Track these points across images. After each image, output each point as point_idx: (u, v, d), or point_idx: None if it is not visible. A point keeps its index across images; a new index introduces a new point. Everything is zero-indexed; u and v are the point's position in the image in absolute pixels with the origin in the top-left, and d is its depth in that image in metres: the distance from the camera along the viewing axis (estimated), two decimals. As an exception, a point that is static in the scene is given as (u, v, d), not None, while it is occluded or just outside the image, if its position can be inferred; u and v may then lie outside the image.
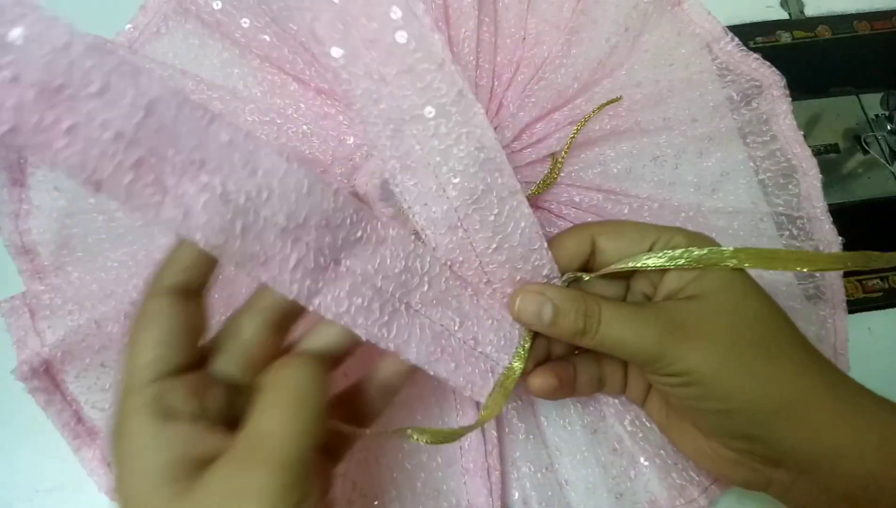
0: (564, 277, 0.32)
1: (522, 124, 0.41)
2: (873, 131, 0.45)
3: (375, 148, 0.28)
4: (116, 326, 0.34)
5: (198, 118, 0.24)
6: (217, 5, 0.40)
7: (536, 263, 0.31)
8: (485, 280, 0.30)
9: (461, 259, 0.30)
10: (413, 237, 0.29)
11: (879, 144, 0.44)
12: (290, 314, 0.26)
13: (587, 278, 0.31)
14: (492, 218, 0.29)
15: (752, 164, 0.42)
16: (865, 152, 0.44)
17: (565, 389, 0.33)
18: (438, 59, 0.27)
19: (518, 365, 0.31)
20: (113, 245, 0.36)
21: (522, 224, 0.30)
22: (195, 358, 0.25)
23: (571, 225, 0.40)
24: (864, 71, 0.47)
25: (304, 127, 0.39)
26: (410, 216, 0.29)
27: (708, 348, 0.28)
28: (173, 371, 0.23)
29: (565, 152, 0.40)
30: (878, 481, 0.26)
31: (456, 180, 0.28)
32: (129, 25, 0.43)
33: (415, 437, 0.29)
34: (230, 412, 0.25)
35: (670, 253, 0.29)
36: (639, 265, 0.30)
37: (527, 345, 0.31)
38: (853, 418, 0.27)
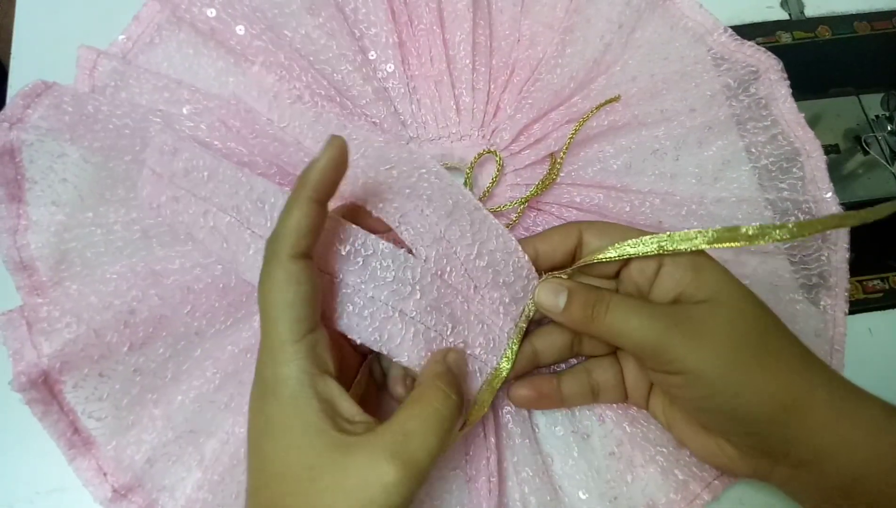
0: (543, 277, 0.33)
1: (520, 126, 0.41)
2: (874, 132, 0.45)
3: (357, 184, 0.30)
4: (116, 336, 0.34)
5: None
6: (211, 13, 0.40)
7: (516, 264, 0.33)
8: (472, 286, 0.32)
9: (448, 268, 0.32)
10: (404, 250, 0.31)
11: (880, 145, 0.44)
12: (329, 185, 0.28)
13: (565, 275, 0.33)
14: (468, 226, 0.32)
15: (753, 151, 0.42)
16: (866, 153, 0.44)
17: (546, 401, 0.34)
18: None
19: (505, 365, 0.33)
20: (112, 258, 0.37)
21: (497, 231, 0.33)
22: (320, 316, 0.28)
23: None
24: (865, 71, 0.46)
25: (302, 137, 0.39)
26: (399, 234, 0.31)
27: (712, 349, 0.28)
28: (316, 326, 0.27)
29: (564, 152, 0.40)
30: (868, 475, 0.28)
31: (429, 201, 0.31)
32: (122, 36, 0.42)
33: None
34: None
35: (635, 242, 0.30)
36: (612, 256, 0.31)
37: (514, 347, 0.33)
38: (845, 417, 0.28)
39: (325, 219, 0.28)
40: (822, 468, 0.28)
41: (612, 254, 0.31)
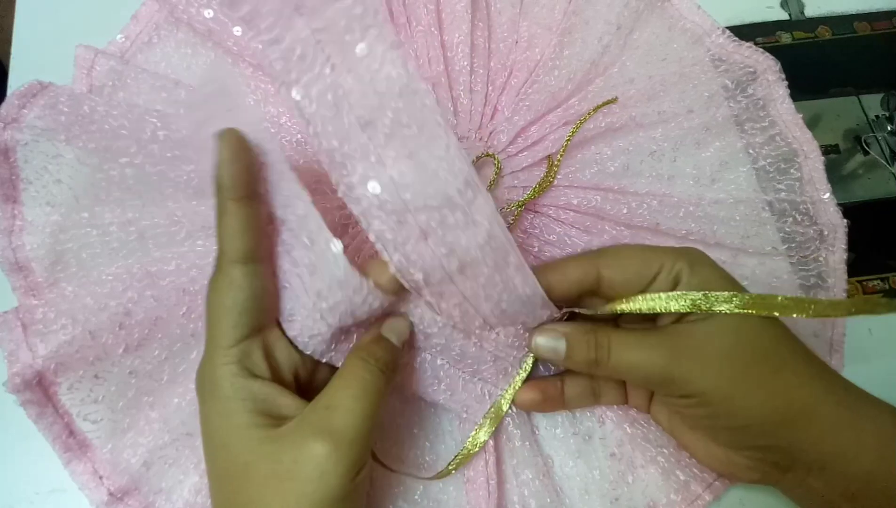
0: (562, 313, 0.32)
1: (517, 128, 0.41)
2: (874, 132, 0.44)
3: (378, 240, 0.27)
4: (111, 337, 0.34)
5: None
6: (209, 14, 0.40)
7: (537, 312, 0.31)
8: (487, 328, 0.32)
9: (464, 319, 0.31)
10: (413, 304, 0.31)
11: (880, 145, 0.44)
12: (240, 180, 0.28)
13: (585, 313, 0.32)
14: (495, 294, 0.29)
15: (751, 151, 0.42)
16: (866, 153, 0.44)
17: (550, 403, 0.34)
18: (443, 147, 0.25)
19: (510, 394, 0.34)
20: (107, 259, 0.36)
21: (527, 290, 0.29)
22: (271, 317, 0.29)
23: (571, 228, 0.40)
24: (865, 71, 0.46)
25: (298, 136, 0.39)
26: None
27: (716, 370, 0.28)
28: (253, 332, 0.27)
29: (561, 154, 0.40)
30: (875, 479, 0.28)
31: (463, 268, 0.28)
32: (120, 35, 0.42)
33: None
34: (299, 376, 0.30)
35: (667, 296, 0.29)
36: (635, 308, 0.30)
37: (522, 376, 0.34)
38: (852, 422, 0.28)
39: (258, 212, 0.28)
40: (829, 474, 0.28)
41: (641, 305, 0.30)
